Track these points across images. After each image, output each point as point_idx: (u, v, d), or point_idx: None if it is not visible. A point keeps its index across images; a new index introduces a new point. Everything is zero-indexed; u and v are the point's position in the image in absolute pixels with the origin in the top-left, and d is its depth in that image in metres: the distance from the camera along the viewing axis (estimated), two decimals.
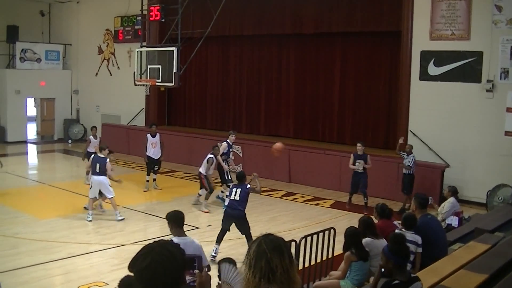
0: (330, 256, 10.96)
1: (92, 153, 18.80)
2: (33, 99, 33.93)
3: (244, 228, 12.72)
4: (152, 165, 19.88)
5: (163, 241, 3.52)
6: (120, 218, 15.59)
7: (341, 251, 9.72)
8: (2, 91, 31.52)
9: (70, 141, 31.37)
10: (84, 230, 14.75)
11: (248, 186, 13.02)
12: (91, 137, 20.68)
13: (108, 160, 15.88)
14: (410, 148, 17.92)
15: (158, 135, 19.99)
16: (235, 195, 12.77)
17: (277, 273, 3.56)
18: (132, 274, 3.41)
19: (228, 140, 18.84)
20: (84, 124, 32.31)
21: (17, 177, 21.10)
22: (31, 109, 34.80)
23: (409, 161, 17.55)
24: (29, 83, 31.51)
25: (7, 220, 15.47)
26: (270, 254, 3.57)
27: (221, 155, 18.12)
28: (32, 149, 30.69)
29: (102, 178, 15.65)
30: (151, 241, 3.49)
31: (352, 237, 9.12)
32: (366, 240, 9.17)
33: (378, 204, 10.64)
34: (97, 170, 15.63)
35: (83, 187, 19.76)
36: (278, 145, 16.78)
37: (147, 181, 20.09)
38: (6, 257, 12.54)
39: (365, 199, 17.59)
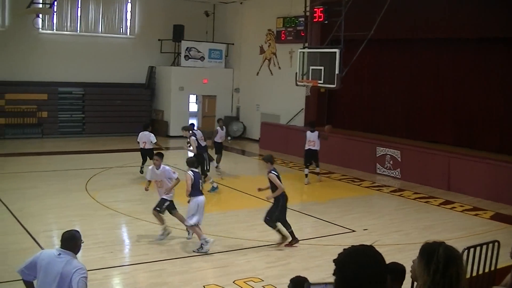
0: (492, 269, 10.53)
1: (219, 143, 21.78)
2: (195, 95, 34.98)
3: None
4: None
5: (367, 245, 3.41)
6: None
7: (503, 265, 9.30)
8: (167, 87, 32.89)
9: (229, 138, 31.97)
10: (241, 225, 15.01)
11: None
12: (219, 128, 22.13)
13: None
14: None
15: None
16: None
17: (461, 281, 3.42)
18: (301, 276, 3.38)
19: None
20: (244, 122, 32.92)
21: (178, 170, 21.77)
22: (193, 105, 35.90)
23: None
24: (192, 80, 32.67)
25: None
26: (460, 261, 3.43)
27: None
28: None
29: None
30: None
31: None
32: None
33: None
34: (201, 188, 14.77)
35: (241, 183, 20.26)
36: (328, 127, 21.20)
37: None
38: (167, 246, 13.14)
39: None
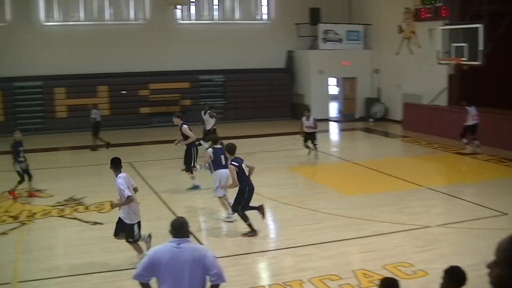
0: None
1: (309, 133, 20.67)
2: (335, 78, 34.81)
3: None
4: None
5: None
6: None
7: None
8: (306, 70, 32.97)
9: (371, 119, 31.68)
10: (388, 209, 14.73)
11: None
12: (304, 118, 21.08)
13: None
14: None
15: None
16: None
17: None
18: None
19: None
20: (385, 103, 32.40)
21: (321, 153, 21.81)
22: (332, 88, 35.74)
23: None
24: (331, 63, 32.48)
25: (315, 195, 16.11)
26: None
27: None
28: (334, 127, 31.59)
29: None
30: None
31: None
32: None
33: None
34: (223, 163, 14.19)
35: (385, 165, 19.94)
36: None
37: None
38: (314, 230, 13.07)
39: None
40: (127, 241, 11.11)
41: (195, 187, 17.22)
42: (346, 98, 33.87)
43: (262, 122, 31.27)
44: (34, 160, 21.69)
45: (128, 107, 30.88)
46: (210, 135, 14.93)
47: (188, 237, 6.59)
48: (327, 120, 32.28)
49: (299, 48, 33.84)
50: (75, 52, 30.49)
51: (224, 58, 32.55)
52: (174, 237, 6.54)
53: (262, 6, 34.28)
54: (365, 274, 10.32)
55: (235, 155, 12.99)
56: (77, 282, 10.49)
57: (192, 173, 17.09)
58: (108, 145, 24.35)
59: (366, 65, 33.43)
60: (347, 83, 33.79)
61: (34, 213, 14.94)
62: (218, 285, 6.49)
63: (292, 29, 33.48)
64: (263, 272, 11.34)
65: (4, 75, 29.43)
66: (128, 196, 10.67)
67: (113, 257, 11.59)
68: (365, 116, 32.61)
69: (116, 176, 10.92)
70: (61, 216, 14.71)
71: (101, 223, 14.00)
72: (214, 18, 33.26)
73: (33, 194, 16.94)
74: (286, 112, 33.28)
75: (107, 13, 31.54)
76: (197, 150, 17.47)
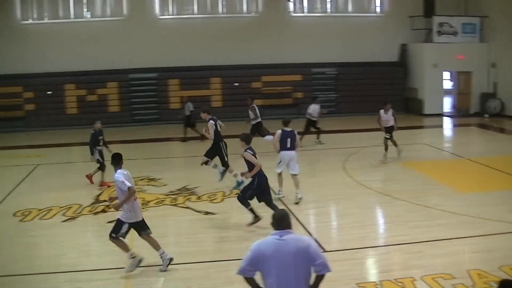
0: None
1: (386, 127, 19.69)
2: (448, 72, 33.98)
3: None
4: None
5: None
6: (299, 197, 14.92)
7: None
8: (419, 64, 32.41)
9: (486, 115, 30.77)
10: (504, 208, 14.09)
11: None
12: (382, 111, 20.14)
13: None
14: None
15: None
16: None
17: None
18: None
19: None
20: (502, 98, 31.34)
21: (435, 149, 21.40)
22: (446, 82, 34.92)
23: None
24: (446, 56, 31.72)
25: (428, 191, 15.80)
26: None
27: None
28: (447, 122, 30.88)
29: (293, 152, 15.14)
30: None
31: None
32: None
33: None
34: (288, 145, 15.03)
35: (501, 162, 19.24)
36: None
37: None
38: (427, 227, 12.76)
39: None
40: (110, 236, 10.56)
41: (239, 184, 15.95)
42: (461, 93, 32.99)
43: (374, 116, 30.86)
44: (148, 150, 22.47)
45: (240, 99, 31.11)
46: (284, 119, 15.16)
47: (290, 228, 6.43)
48: (441, 115, 31.64)
49: (413, 41, 33.22)
50: (189, 44, 31.20)
51: (336, 51, 32.45)
52: (276, 229, 6.42)
53: None
54: (480, 274, 9.98)
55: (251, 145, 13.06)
56: (186, 270, 10.72)
57: (230, 170, 16.61)
58: (184, 139, 25.22)
59: (482, 59, 32.37)
60: (462, 77, 32.91)
61: (148, 201, 15.31)
62: (323, 275, 6.37)
63: (405, 22, 32.88)
64: (374, 267, 11.21)
65: (120, 67, 30.44)
66: (129, 187, 10.13)
67: (223, 248, 11.76)
68: (480, 111, 31.65)
69: (115, 172, 10.46)
70: (174, 205, 15.05)
71: (213, 213, 14.24)
72: (327, 10, 33.19)
73: (105, 183, 17.20)
74: (399, 106, 32.44)
75: (220, 6, 32.10)
76: (226, 145, 16.85)
